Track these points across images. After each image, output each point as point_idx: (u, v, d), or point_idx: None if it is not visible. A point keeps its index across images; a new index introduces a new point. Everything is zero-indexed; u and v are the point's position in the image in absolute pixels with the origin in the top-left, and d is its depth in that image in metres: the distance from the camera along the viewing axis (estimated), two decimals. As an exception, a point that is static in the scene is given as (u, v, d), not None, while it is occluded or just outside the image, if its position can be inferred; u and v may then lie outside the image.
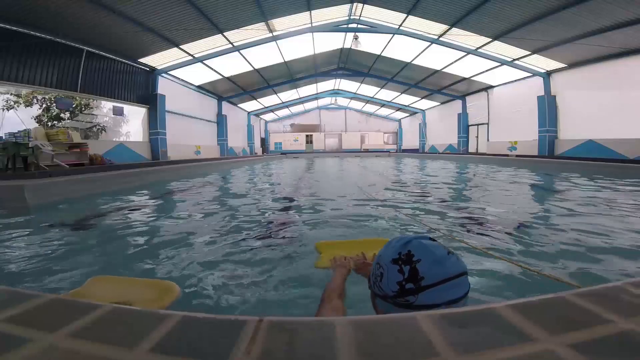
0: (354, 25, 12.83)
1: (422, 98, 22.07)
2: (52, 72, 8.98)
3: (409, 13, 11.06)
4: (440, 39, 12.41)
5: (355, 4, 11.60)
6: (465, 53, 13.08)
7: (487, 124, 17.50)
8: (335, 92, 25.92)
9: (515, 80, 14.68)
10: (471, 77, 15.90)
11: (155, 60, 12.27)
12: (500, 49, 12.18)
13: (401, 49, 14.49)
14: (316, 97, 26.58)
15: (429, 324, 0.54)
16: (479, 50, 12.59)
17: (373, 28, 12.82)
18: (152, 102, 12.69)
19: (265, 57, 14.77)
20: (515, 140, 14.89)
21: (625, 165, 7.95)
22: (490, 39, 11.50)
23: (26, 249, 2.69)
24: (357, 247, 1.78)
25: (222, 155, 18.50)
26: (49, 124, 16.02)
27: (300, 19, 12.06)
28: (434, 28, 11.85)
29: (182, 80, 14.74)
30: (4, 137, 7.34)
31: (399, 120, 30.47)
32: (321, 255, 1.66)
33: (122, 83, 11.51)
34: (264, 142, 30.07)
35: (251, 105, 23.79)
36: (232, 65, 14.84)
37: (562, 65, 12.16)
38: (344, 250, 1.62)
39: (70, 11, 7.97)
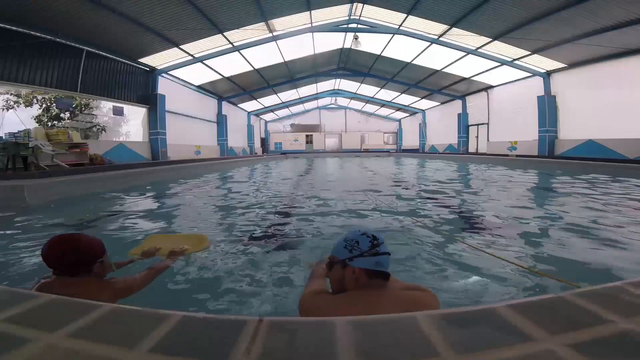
0: (354, 25, 12.81)
1: (422, 98, 22.04)
2: (52, 72, 8.96)
3: (409, 13, 11.05)
4: (440, 39, 12.39)
5: (355, 4, 11.59)
6: (465, 53, 13.06)
7: (487, 124, 17.48)
8: (335, 92, 25.88)
9: (515, 80, 14.66)
10: (471, 77, 15.88)
11: (155, 60, 12.26)
12: (500, 49, 12.16)
13: (401, 49, 14.46)
14: (316, 97, 26.53)
15: (429, 324, 0.54)
16: (479, 50, 12.58)
17: (373, 28, 12.81)
18: (152, 102, 12.67)
19: (265, 57, 14.74)
20: (515, 140, 14.88)
21: (625, 165, 7.95)
22: (490, 39, 11.49)
23: (26, 249, 2.69)
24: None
25: (222, 155, 18.49)
26: (49, 124, 16.00)
27: (300, 19, 12.04)
28: (434, 28, 11.84)
29: (182, 80, 14.72)
30: (4, 137, 7.33)
31: (399, 120, 30.43)
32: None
33: (122, 83, 11.49)
34: (264, 142, 30.02)
35: (251, 105, 23.77)
36: (232, 65, 14.81)
37: (562, 65, 12.14)
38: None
39: (70, 11, 7.96)
